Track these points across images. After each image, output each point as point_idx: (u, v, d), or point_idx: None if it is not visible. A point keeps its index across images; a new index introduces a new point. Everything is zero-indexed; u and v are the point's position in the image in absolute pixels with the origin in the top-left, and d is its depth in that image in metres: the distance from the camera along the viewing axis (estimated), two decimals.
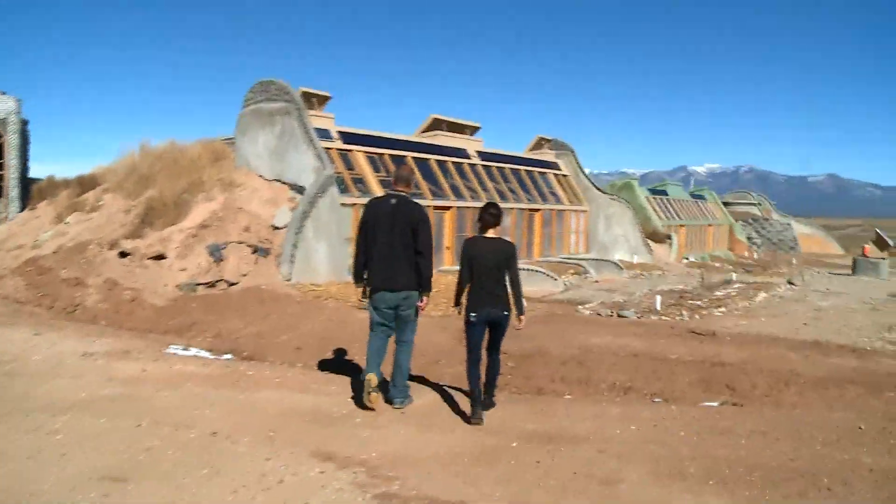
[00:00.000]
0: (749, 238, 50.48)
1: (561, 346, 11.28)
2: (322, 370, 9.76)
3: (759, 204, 58.09)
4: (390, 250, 6.91)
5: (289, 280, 15.75)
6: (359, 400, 7.07)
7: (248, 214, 17.69)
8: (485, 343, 7.18)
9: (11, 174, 25.27)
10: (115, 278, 14.53)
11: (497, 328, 7.05)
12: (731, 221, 48.36)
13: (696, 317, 15.25)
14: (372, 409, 6.89)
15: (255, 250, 17.11)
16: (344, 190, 18.94)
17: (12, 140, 29.56)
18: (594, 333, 12.31)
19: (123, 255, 15.76)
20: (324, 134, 19.49)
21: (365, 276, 7.19)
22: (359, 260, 7.19)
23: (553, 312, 15.75)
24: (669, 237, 35.51)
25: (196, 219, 17.01)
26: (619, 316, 15.04)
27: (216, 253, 16.75)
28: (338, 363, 10.33)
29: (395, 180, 7.33)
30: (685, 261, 35.83)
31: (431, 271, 7.18)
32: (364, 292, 7.29)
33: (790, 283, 25.96)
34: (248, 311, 13.37)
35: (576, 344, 11.38)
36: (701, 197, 47.63)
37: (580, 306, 16.34)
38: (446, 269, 21.11)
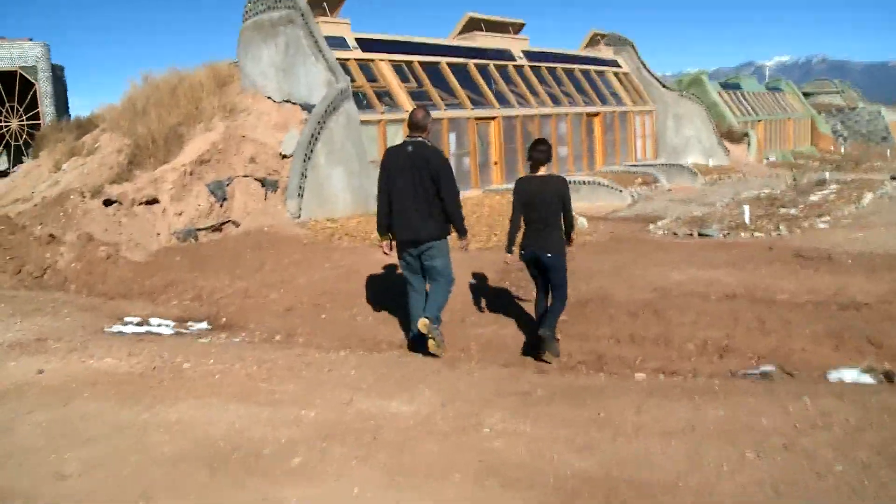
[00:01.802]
0: (834, 131, 46.09)
1: (629, 286, 8.57)
2: (305, 345, 7.31)
3: (842, 92, 53.22)
4: (409, 201, 6.74)
5: (297, 217, 13.26)
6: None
7: (254, 143, 15.16)
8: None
9: (46, 123, 23.41)
10: (91, 232, 12.25)
11: (549, 271, 6.87)
12: (813, 114, 44.06)
13: (797, 231, 12.27)
14: (437, 356, 6.61)
15: (264, 184, 14.63)
16: (366, 105, 16.22)
17: (45, 88, 27.73)
18: (671, 265, 9.52)
19: (108, 202, 13.44)
20: (338, 43, 16.70)
21: (388, 228, 7.05)
22: (381, 211, 7.04)
23: (618, 235, 12.96)
24: (747, 135, 31.89)
25: (192, 153, 14.55)
26: (701, 235, 12.16)
27: (218, 191, 14.34)
28: (330, 331, 7.87)
29: (409, 125, 6.99)
30: (766, 160, 32.28)
31: (461, 214, 6.93)
32: (390, 245, 7.14)
33: (893, 179, 22.56)
34: (241, 261, 10.96)
35: (648, 283, 8.64)
36: (778, 88, 43.35)
37: (651, 225, 13.49)
38: (493, 188, 18.35)
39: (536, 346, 6.86)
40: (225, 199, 14.39)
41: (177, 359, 6.15)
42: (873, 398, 4.76)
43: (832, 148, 42.32)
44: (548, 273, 6.86)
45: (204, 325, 8.57)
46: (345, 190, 14.29)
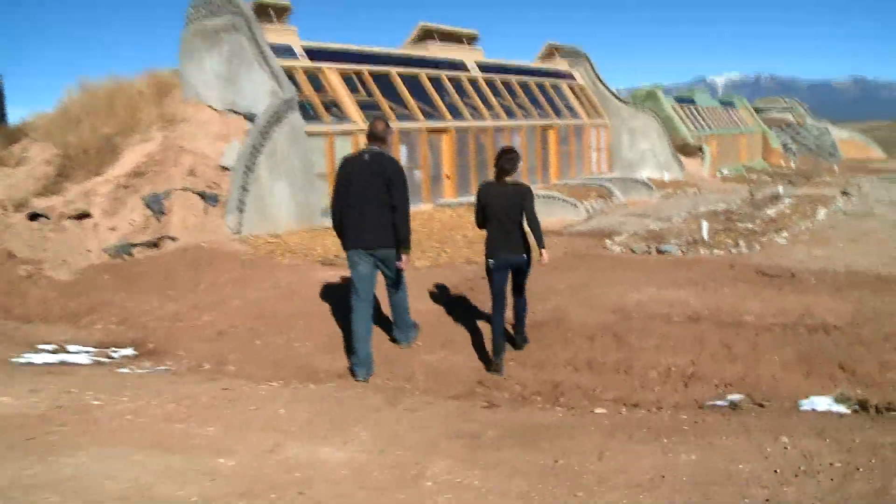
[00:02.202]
0: (784, 146, 46.41)
1: (587, 307, 8.06)
2: (235, 375, 6.67)
3: (791, 109, 53.86)
4: (363, 207, 6.76)
5: (238, 233, 12.56)
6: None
7: (194, 154, 14.42)
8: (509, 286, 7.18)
9: None
10: (12, 249, 11.44)
11: (519, 272, 7.08)
12: (764, 129, 44.37)
13: (756, 246, 11.92)
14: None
15: (204, 197, 13.90)
16: (313, 116, 15.57)
17: None
18: (631, 283, 9.04)
19: (34, 217, 12.63)
20: (285, 51, 16.05)
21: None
22: (335, 218, 7.03)
23: (574, 250, 12.48)
24: (701, 149, 31.84)
25: (127, 165, 13.79)
26: (659, 252, 11.74)
27: (155, 205, 13.57)
28: (264, 358, 7.22)
29: (368, 136, 7.07)
30: (719, 175, 32.25)
31: (409, 227, 6.91)
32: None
33: (845, 193, 22.55)
34: (174, 280, 10.24)
35: (608, 303, 8.14)
36: (730, 104, 43.57)
37: (608, 240, 13.03)
38: (445, 202, 17.81)
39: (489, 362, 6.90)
40: (162, 213, 13.62)
41: (86, 396, 5.47)
42: (857, 437, 4.29)
43: (783, 162, 42.61)
44: (517, 276, 7.06)
45: (129, 351, 7.87)
46: (289, 204, 13.62)
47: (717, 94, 49.72)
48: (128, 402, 5.33)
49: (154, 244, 13.30)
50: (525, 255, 6.96)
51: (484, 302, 8.68)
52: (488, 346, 7.20)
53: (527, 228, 6.99)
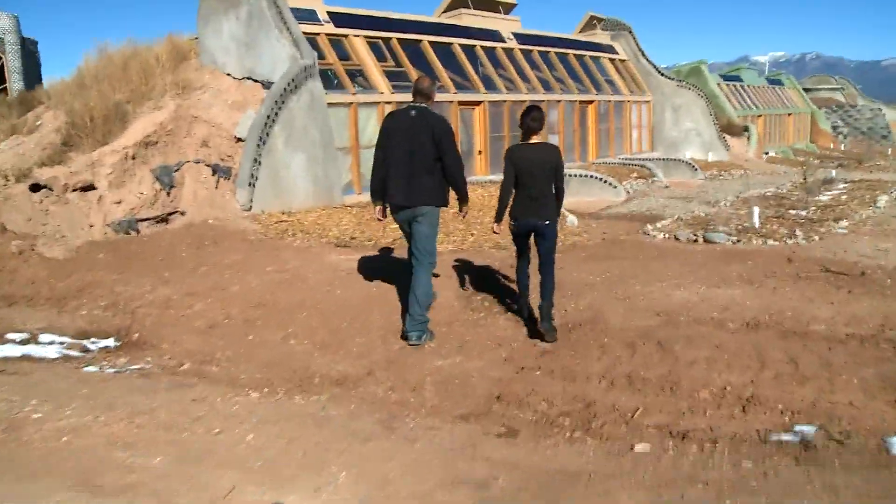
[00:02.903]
0: (834, 127, 44.62)
1: (626, 307, 7.05)
2: (215, 380, 5.77)
3: (842, 88, 51.81)
4: (407, 166, 6.58)
5: (248, 209, 11.69)
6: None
7: (208, 124, 13.55)
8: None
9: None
10: (7, 222, 10.66)
11: (542, 239, 6.66)
12: (813, 109, 42.57)
13: (815, 237, 10.77)
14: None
15: (216, 171, 13.05)
16: (336, 85, 14.64)
17: (12, 62, 25.81)
18: (676, 278, 7.99)
19: (36, 188, 11.83)
20: (308, 16, 15.10)
21: (382, 194, 6.82)
22: (376, 175, 6.83)
23: (612, 236, 11.44)
24: (747, 129, 30.42)
25: (136, 134, 12.93)
26: (706, 241, 10.65)
27: (165, 177, 12.75)
28: (255, 358, 6.32)
29: (413, 93, 6.82)
30: (765, 156, 30.82)
31: (464, 180, 6.81)
32: (383, 212, 6.95)
33: None
34: (174, 261, 9.40)
35: (650, 303, 7.12)
36: (778, 82, 41.81)
37: (649, 225, 11.96)
38: (476, 178, 16.78)
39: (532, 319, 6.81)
40: (172, 186, 12.80)
41: (27, 406, 4.61)
42: None
43: (832, 145, 40.89)
44: (541, 243, 6.67)
45: (110, 342, 7.02)
46: (305, 179, 12.70)
47: (762, 73, 47.90)
48: (72, 416, 4.46)
49: (163, 219, 12.50)
50: (548, 222, 6.61)
51: (514, 295, 7.73)
52: (510, 350, 6.26)
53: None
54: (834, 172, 21.60)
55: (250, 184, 11.69)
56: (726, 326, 6.29)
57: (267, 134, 12.04)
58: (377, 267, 8.87)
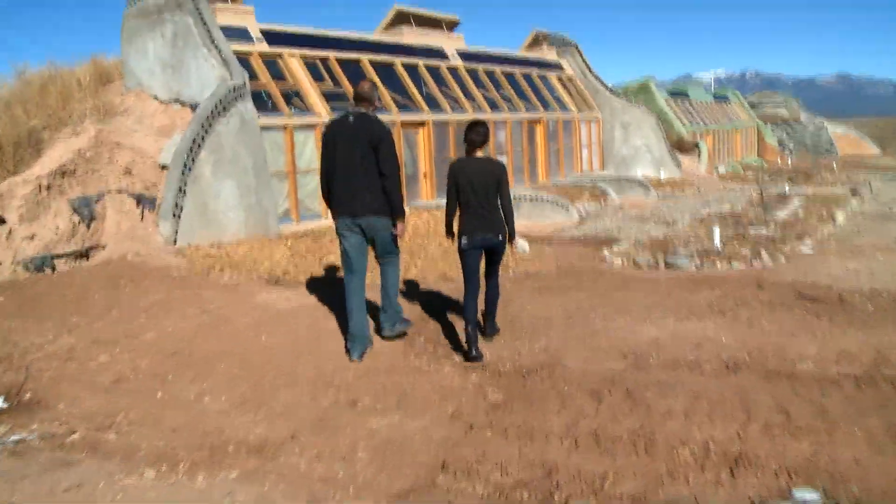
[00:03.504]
0: (780, 142, 44.84)
1: (588, 348, 6.28)
2: (106, 454, 4.84)
3: (786, 104, 52.25)
4: (350, 173, 6.40)
5: (173, 242, 10.71)
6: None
7: (131, 151, 12.57)
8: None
9: None
10: None
11: (493, 255, 6.73)
12: (759, 124, 42.75)
13: (780, 258, 10.18)
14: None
15: (139, 201, 12.05)
16: (271, 107, 13.76)
17: None
18: (641, 311, 7.25)
19: None
20: (239, 34, 14.21)
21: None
22: (323, 188, 6.69)
23: (568, 263, 10.71)
24: (697, 145, 30.17)
25: (51, 163, 11.89)
26: (668, 265, 9.98)
27: (84, 209, 11.72)
28: (162, 421, 5.39)
29: (354, 97, 6.65)
30: (716, 172, 30.57)
31: (400, 193, 6.49)
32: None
33: (855, 193, 20.92)
34: (84, 304, 8.40)
35: (614, 342, 6.35)
36: (724, 98, 41.90)
37: (606, 250, 11.26)
38: (422, 203, 15.97)
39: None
40: (93, 218, 11.77)
41: None
42: None
43: (779, 159, 40.99)
44: (492, 258, 6.72)
45: None
46: (237, 209, 11.75)
47: (708, 90, 48.09)
48: None
49: (83, 255, 11.48)
50: (500, 237, 6.54)
51: (459, 335, 6.92)
52: (458, 403, 5.45)
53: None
54: (787, 188, 21.27)
55: (174, 215, 10.72)
56: (703, 369, 5.54)
57: (192, 160, 11.09)
58: (309, 305, 8.02)
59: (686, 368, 5.54)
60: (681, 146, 28.65)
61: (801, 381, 5.20)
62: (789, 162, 40.23)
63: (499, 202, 6.54)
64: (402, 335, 6.93)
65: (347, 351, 6.52)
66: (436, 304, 8.16)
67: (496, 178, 6.49)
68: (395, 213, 6.47)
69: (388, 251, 6.64)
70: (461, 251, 6.62)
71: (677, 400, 5.01)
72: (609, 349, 6.11)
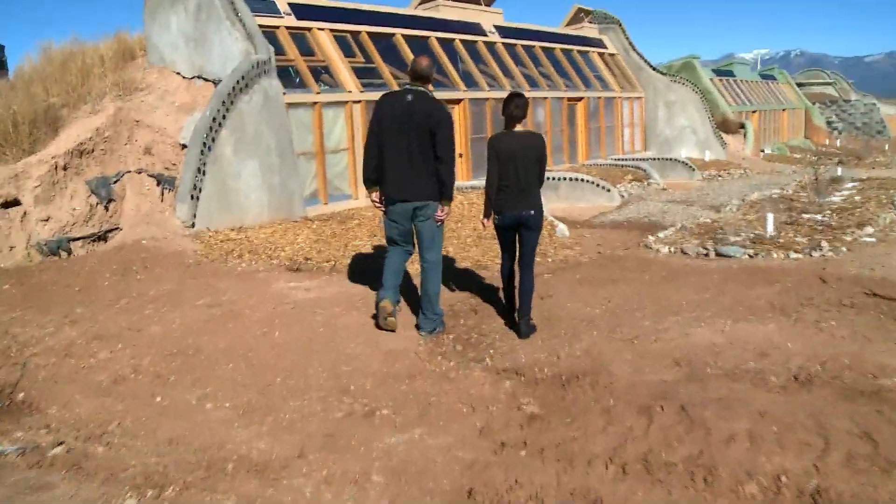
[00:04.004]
0: (829, 123, 43.32)
1: (634, 352, 5.58)
2: (89, 472, 4.29)
3: (835, 83, 50.56)
4: (403, 155, 6.12)
5: (191, 226, 10.18)
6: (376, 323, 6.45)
7: (151, 129, 12.05)
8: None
9: None
10: None
11: (528, 231, 6.39)
12: (807, 104, 41.30)
13: (842, 248, 9.34)
14: (392, 331, 6.33)
15: (159, 182, 11.55)
16: (299, 84, 13.15)
17: None
18: (693, 309, 6.52)
19: None
20: (266, 7, 13.61)
21: (377, 181, 6.34)
22: (368, 164, 6.34)
23: (610, 250, 10.00)
24: (743, 126, 29.07)
25: (68, 142, 11.41)
26: (719, 255, 9.22)
27: (102, 190, 11.28)
28: (158, 430, 4.83)
29: (411, 75, 6.37)
30: (762, 153, 29.47)
31: (453, 178, 6.32)
32: (381, 197, 6.37)
33: None
34: (91, 292, 7.90)
35: (665, 346, 5.64)
36: (771, 77, 40.52)
37: (651, 237, 10.51)
38: (457, 185, 15.29)
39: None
40: (111, 199, 11.33)
41: None
42: None
43: (827, 141, 39.62)
44: (525, 235, 6.43)
45: None
46: (259, 190, 11.18)
47: (754, 68, 46.61)
48: None
49: (101, 237, 11.08)
50: (533, 212, 6.34)
51: (493, 333, 6.28)
52: (488, 417, 4.81)
53: None
54: (840, 170, 20.22)
55: (193, 197, 10.18)
56: (768, 382, 4.82)
57: (213, 139, 10.53)
58: (329, 297, 7.41)
59: (749, 381, 4.82)
60: (726, 126, 27.61)
61: (888, 401, 4.46)
62: (838, 143, 38.86)
63: (538, 178, 6.40)
64: (440, 332, 6.53)
65: (374, 317, 6.44)
66: (467, 296, 7.53)
67: (537, 152, 6.33)
68: (445, 195, 6.24)
69: (430, 245, 6.37)
70: (497, 227, 6.52)
71: (741, 421, 4.32)
72: (659, 355, 5.41)
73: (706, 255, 9.25)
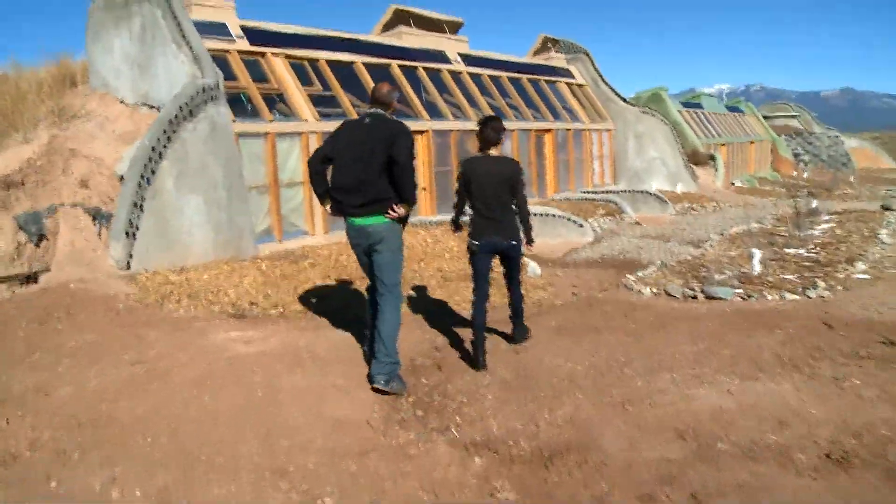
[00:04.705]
0: (795, 155, 43.24)
1: (628, 420, 4.70)
2: None
3: (799, 116, 50.75)
4: (359, 175, 5.74)
5: (126, 266, 9.20)
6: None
7: (88, 160, 11.07)
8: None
9: None
10: None
11: (508, 260, 6.41)
12: (773, 136, 41.20)
13: (838, 287, 8.61)
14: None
15: (96, 217, 10.55)
16: (251, 112, 12.27)
17: None
18: (690, 365, 5.66)
19: None
20: (217, 31, 12.76)
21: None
22: (314, 172, 6.02)
23: (587, 292, 9.19)
24: (713, 158, 28.62)
25: None
26: (707, 296, 8.42)
27: (33, 226, 10.26)
28: None
29: (371, 101, 6.05)
30: (732, 186, 29.03)
31: (413, 183, 5.76)
32: (335, 210, 6.00)
33: (887, 208, 19.37)
34: (3, 341, 6.89)
35: (662, 412, 4.76)
36: (738, 109, 40.37)
37: (630, 276, 9.71)
38: (420, 220, 14.44)
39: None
40: (42, 236, 10.30)
41: None
42: None
43: (794, 172, 39.45)
44: (507, 265, 6.46)
45: None
46: (204, 227, 10.23)
47: (721, 100, 46.60)
48: None
49: (31, 278, 10.00)
50: (513, 241, 6.21)
51: (460, 393, 5.39)
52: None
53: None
54: (815, 203, 19.73)
55: (128, 234, 9.21)
56: (795, 461, 3.96)
57: (152, 171, 9.58)
58: (273, 350, 6.48)
59: (772, 461, 3.96)
60: (696, 159, 27.13)
61: None
62: (805, 175, 38.69)
63: (513, 204, 6.23)
64: (394, 393, 5.65)
65: (369, 379, 5.72)
66: (429, 349, 6.65)
67: (510, 178, 6.17)
68: (407, 201, 5.76)
69: (387, 277, 5.83)
70: (470, 253, 6.30)
71: None
72: (658, 424, 4.54)
73: (693, 296, 8.44)
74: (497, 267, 6.46)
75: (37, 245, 10.31)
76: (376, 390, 5.58)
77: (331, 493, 4.12)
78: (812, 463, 3.91)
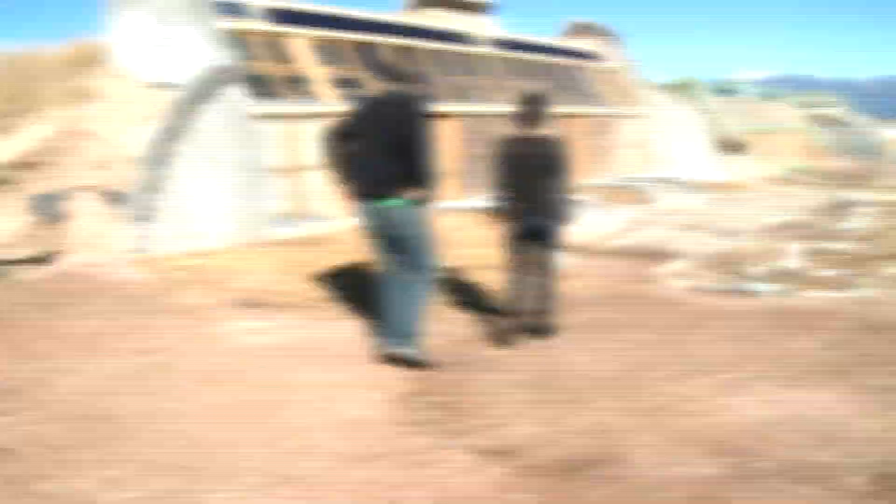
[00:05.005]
0: (830, 144, 42.35)
1: (659, 431, 4.34)
2: None
3: (835, 104, 49.74)
4: (378, 153, 5.50)
5: (141, 250, 8.95)
6: None
7: (105, 142, 10.84)
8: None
9: None
10: None
11: (543, 245, 6.12)
12: (809, 126, 40.34)
13: (883, 286, 8.18)
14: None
15: (112, 200, 10.32)
16: (269, 93, 11.97)
17: None
18: (727, 369, 5.26)
19: None
20: (237, 10, 12.42)
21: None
22: (339, 168, 5.81)
23: (615, 284, 8.81)
24: (745, 146, 27.98)
25: (8, 154, 10.24)
26: (742, 292, 8.02)
27: (47, 207, 10.05)
28: None
29: (393, 79, 5.99)
30: (765, 175, 28.41)
31: (434, 164, 5.46)
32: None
33: None
34: (6, 329, 6.65)
35: (697, 423, 4.40)
36: (772, 97, 39.62)
37: (661, 269, 9.33)
38: (448, 205, 14.08)
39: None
40: (56, 219, 10.09)
41: None
42: None
43: (830, 162, 38.63)
44: (542, 248, 6.16)
45: None
46: (221, 211, 9.92)
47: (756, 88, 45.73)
48: None
49: (43, 260, 9.80)
50: (549, 222, 6.03)
51: (475, 395, 5.06)
52: None
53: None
54: (853, 194, 19.18)
55: (143, 217, 8.97)
56: (845, 484, 3.59)
57: (168, 153, 9.31)
58: (285, 343, 6.19)
59: (818, 484, 3.60)
60: (729, 146, 26.53)
61: None
62: (842, 165, 37.87)
63: (554, 184, 6.03)
64: (412, 364, 5.60)
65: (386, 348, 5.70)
66: (451, 343, 6.31)
67: (551, 156, 6.04)
68: (427, 179, 5.46)
69: (417, 255, 5.56)
70: (506, 237, 6.19)
71: None
72: (693, 436, 4.18)
73: (728, 292, 8.05)
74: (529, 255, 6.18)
75: (50, 227, 10.12)
76: (392, 359, 5.60)
77: (335, 502, 3.81)
78: (864, 487, 3.54)
